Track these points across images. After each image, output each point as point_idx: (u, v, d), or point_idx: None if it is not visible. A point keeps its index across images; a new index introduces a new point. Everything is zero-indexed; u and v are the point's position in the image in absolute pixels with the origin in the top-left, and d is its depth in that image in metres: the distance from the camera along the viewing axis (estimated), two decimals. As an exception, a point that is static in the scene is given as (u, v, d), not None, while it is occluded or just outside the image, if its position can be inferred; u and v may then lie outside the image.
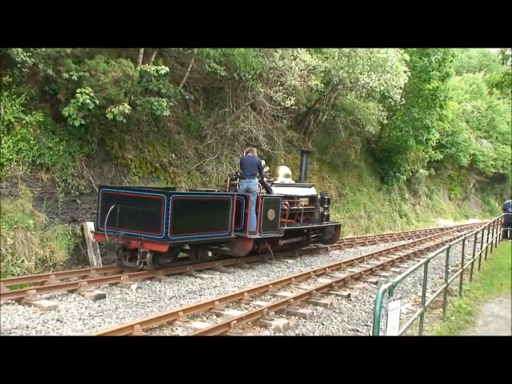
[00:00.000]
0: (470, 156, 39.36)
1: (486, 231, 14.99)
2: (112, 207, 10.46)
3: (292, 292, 10.07)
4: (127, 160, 13.30)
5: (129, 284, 9.69)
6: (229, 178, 13.72)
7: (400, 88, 20.52)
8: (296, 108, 18.71)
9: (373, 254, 15.68)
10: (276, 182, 14.52)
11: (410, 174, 31.61)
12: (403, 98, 22.93)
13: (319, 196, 16.36)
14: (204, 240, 11.35)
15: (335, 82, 20.19)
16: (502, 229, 23.49)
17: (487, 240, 15.97)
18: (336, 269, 12.80)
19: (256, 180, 12.79)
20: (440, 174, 39.07)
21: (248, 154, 12.97)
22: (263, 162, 13.65)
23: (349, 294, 10.30)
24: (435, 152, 32.58)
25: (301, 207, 15.26)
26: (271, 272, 12.20)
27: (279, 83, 17.36)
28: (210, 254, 12.41)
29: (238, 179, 13.14)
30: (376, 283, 11.75)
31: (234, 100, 17.29)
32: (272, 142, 18.71)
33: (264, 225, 12.67)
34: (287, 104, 17.18)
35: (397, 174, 29.15)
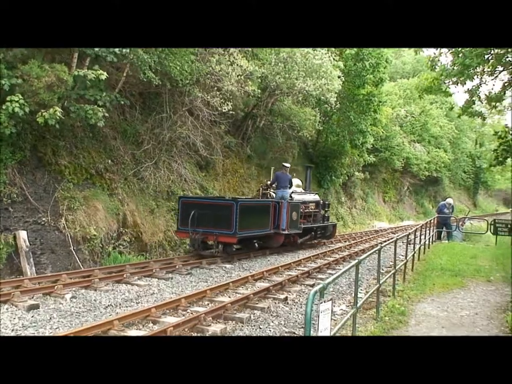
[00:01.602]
0: (403, 160, 40.15)
1: (418, 233, 15.44)
2: (193, 212, 14.22)
3: (229, 297, 10.10)
4: (60, 166, 13.03)
5: (64, 293, 9.51)
6: (261, 188, 17.89)
7: (335, 93, 20.88)
8: (233, 113, 18.76)
9: (310, 257, 15.90)
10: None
11: (346, 178, 32.18)
12: (338, 103, 23.38)
13: (321, 201, 20.41)
14: (257, 234, 15.66)
15: (272, 87, 20.40)
16: (435, 230, 24.19)
17: (420, 241, 16.45)
18: (273, 273, 12.92)
19: (289, 191, 17.10)
20: (375, 178, 39.75)
21: (282, 171, 17.25)
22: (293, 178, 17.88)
23: (286, 297, 10.42)
24: (369, 156, 33.23)
25: (310, 210, 19.34)
26: (209, 278, 12.20)
27: (216, 88, 17.35)
28: (256, 245, 16.11)
29: (267, 189, 17.50)
30: (313, 285, 11.92)
31: (171, 105, 17.20)
32: (210, 147, 18.71)
33: (290, 224, 16.63)
34: (224, 109, 17.21)
35: (333, 177, 29.59)
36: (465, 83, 15.00)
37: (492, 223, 22.47)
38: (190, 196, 16.99)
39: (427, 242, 18.68)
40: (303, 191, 19.65)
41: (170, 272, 12.39)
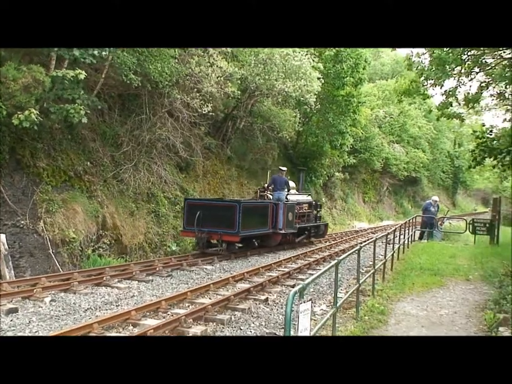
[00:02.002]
0: (383, 160, 40.49)
1: (397, 232, 15.55)
2: (198, 213, 15.17)
3: (210, 299, 10.10)
4: (39, 169, 12.92)
5: (43, 297, 9.43)
6: (259, 190, 18.87)
7: (315, 94, 20.97)
8: (213, 114, 18.78)
9: (290, 257, 15.95)
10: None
11: (326, 179, 32.34)
12: (318, 104, 23.48)
13: (313, 202, 21.44)
14: (258, 233, 16.78)
15: (252, 89, 20.43)
16: (420, 230, 24.29)
17: (399, 241, 16.56)
18: (254, 274, 12.93)
19: (284, 193, 18.11)
20: (355, 178, 39.93)
21: (279, 174, 18.20)
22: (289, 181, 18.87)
23: (267, 298, 10.45)
24: (349, 157, 33.51)
25: (304, 211, 20.33)
26: (190, 280, 12.19)
27: (195, 90, 17.33)
28: (256, 244, 17.46)
29: (265, 191, 18.54)
30: (293, 286, 11.95)
31: (151, 107, 17.14)
32: (190, 148, 18.68)
33: (287, 224, 17.65)
34: (204, 110, 17.19)
35: (314, 178, 29.70)
36: (443, 84, 15.17)
37: (471, 222, 22.59)
38: (195, 198, 18.26)
39: (406, 242, 18.84)
40: (297, 192, 20.55)
41: (151, 275, 12.34)
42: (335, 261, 6.91)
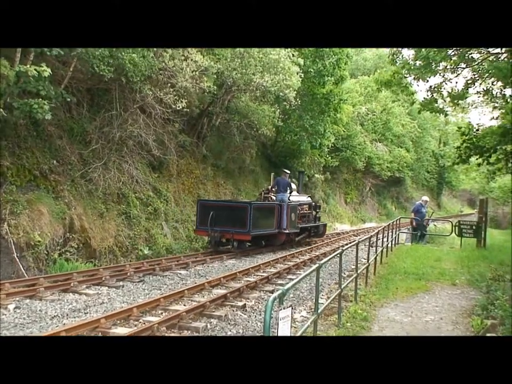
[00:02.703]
0: (365, 159, 40.88)
1: (381, 235, 15.66)
2: (211, 213, 17.02)
3: (184, 305, 10.07)
4: (2, 167, 12.75)
5: (7, 303, 9.32)
6: (263, 192, 20.56)
7: (295, 90, 20.99)
8: (188, 110, 18.69)
9: (269, 261, 15.97)
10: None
11: (307, 179, 32.37)
12: (298, 100, 23.50)
13: (313, 203, 23.13)
14: (266, 233, 18.64)
15: (229, 84, 20.41)
16: (405, 233, 24.43)
17: (382, 244, 16.67)
18: (231, 279, 12.93)
19: (287, 194, 19.60)
20: (336, 178, 40.29)
21: (282, 176, 19.94)
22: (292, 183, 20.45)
23: (244, 304, 10.44)
24: (331, 158, 33.78)
25: (305, 212, 22.05)
26: (163, 285, 12.14)
27: (169, 84, 17.24)
28: (263, 243, 19.45)
29: (269, 193, 20.13)
30: (272, 291, 11.96)
31: (122, 102, 17.01)
32: (163, 146, 18.60)
33: (290, 224, 19.45)
34: (179, 106, 17.11)
35: (293, 179, 29.67)
36: (427, 80, 15.30)
37: (457, 224, 22.68)
38: (208, 199, 20.35)
39: (390, 245, 18.96)
40: (297, 194, 21.90)
41: (121, 280, 12.27)
42: (316, 265, 6.91)
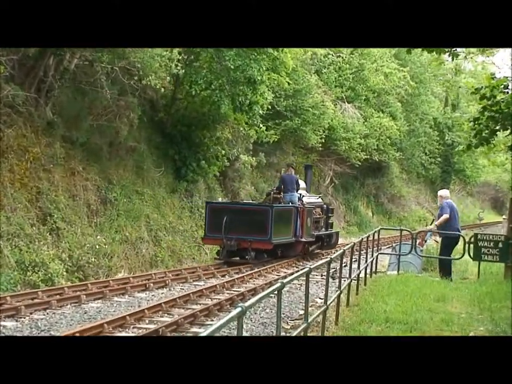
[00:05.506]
0: (324, 131, 26.62)
1: (346, 259, 11.38)
2: (225, 217, 14.28)
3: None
4: None
5: None
6: (272, 192, 16.59)
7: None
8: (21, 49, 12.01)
9: (160, 304, 9.79)
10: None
11: (227, 164, 20.44)
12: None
13: (325, 206, 19.44)
14: (285, 241, 15.60)
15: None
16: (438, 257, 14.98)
17: (350, 273, 10.37)
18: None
19: (296, 194, 16.41)
20: (275, 163, 26.22)
21: (287, 172, 17.00)
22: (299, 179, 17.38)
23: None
24: (267, 128, 21.89)
25: (318, 216, 18.28)
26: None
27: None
28: (279, 253, 15.99)
29: (280, 193, 16.39)
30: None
31: None
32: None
33: (306, 231, 16.36)
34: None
35: (202, 162, 18.93)
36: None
37: (472, 240, 14.19)
38: (219, 201, 17.64)
39: (363, 275, 12.38)
40: (307, 194, 18.35)
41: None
42: (237, 310, 3.72)
